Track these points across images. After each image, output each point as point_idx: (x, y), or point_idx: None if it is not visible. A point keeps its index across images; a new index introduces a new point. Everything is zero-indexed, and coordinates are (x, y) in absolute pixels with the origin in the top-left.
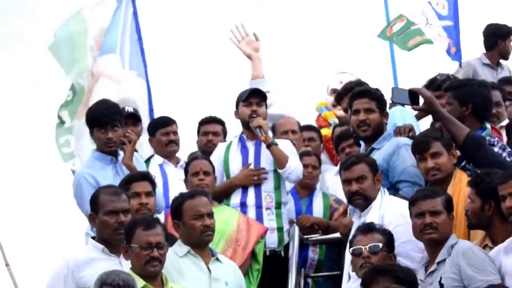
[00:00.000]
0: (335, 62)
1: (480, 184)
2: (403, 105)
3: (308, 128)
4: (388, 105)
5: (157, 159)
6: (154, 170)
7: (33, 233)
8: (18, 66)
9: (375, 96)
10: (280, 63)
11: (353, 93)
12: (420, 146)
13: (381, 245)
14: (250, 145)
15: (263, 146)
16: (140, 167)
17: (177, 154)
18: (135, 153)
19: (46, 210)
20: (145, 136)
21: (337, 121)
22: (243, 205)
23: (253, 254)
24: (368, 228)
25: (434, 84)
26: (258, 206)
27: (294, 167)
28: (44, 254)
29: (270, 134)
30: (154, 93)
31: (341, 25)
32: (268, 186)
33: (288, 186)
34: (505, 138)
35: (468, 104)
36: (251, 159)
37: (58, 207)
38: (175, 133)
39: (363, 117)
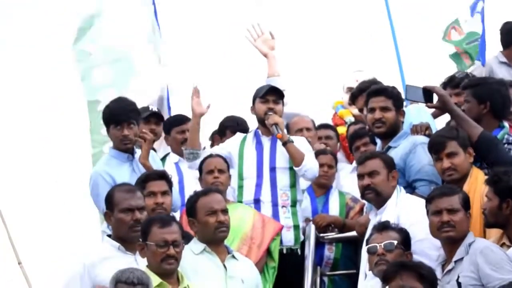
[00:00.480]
0: (351, 60)
1: (497, 182)
2: (416, 102)
3: (325, 126)
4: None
5: (173, 157)
6: (169, 168)
7: (46, 231)
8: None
9: (391, 94)
10: (296, 62)
11: (369, 91)
12: (436, 146)
13: (395, 242)
14: (266, 141)
15: (279, 142)
16: (157, 166)
17: None
18: (152, 152)
19: (59, 207)
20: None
21: (353, 119)
22: (257, 202)
23: (268, 252)
24: (383, 227)
25: (452, 82)
26: (274, 204)
27: (310, 165)
28: (57, 252)
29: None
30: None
31: (352, 23)
32: (284, 184)
33: (304, 184)
34: None
35: (486, 102)
36: (266, 155)
37: (71, 204)
38: None
39: (379, 116)
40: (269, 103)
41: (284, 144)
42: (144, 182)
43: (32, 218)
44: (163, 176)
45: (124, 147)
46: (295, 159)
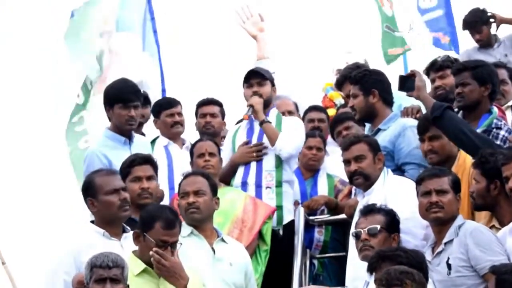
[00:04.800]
0: (342, 42)
1: (484, 164)
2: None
3: (318, 109)
4: None
5: (162, 141)
6: (159, 151)
7: (29, 231)
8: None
9: (354, 80)
10: (286, 44)
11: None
12: (419, 128)
13: (379, 226)
14: (256, 125)
15: (258, 124)
16: (147, 151)
17: (183, 136)
18: (141, 137)
19: (43, 208)
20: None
21: (343, 101)
22: (244, 185)
23: (260, 235)
24: (368, 210)
25: (435, 66)
26: (258, 185)
27: (283, 144)
28: (41, 252)
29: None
30: (166, 74)
31: (342, 4)
32: (269, 165)
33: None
34: (510, 118)
35: (487, 85)
36: (255, 138)
37: (55, 204)
38: (180, 114)
39: (351, 103)
40: (254, 87)
41: (261, 124)
42: (129, 167)
43: (16, 218)
44: (148, 160)
45: (129, 128)
46: (270, 139)
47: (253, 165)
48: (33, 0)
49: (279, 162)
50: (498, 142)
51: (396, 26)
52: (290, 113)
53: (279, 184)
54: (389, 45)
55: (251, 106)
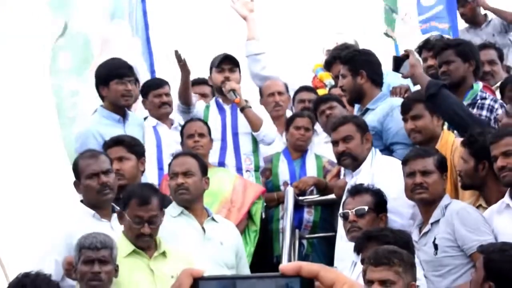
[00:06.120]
0: (332, 23)
1: (473, 143)
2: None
3: (308, 89)
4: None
5: (151, 121)
6: (148, 132)
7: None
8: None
9: (344, 60)
10: (275, 24)
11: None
12: (402, 107)
13: (367, 208)
14: (227, 109)
15: (239, 109)
16: (141, 129)
17: (171, 116)
18: (136, 116)
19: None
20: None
21: (333, 82)
22: (221, 165)
23: (250, 215)
24: (356, 191)
25: (428, 45)
26: (239, 168)
27: (268, 130)
28: (33, 233)
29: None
30: (156, 55)
31: None
32: (246, 149)
33: (280, 147)
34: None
35: (471, 61)
36: (228, 121)
37: (46, 186)
38: (168, 94)
39: (340, 83)
40: (225, 72)
41: (242, 109)
42: (105, 151)
43: (6, 201)
44: (117, 141)
45: (126, 103)
46: (254, 125)
47: (230, 147)
48: (33, 0)
49: (256, 146)
50: (484, 112)
51: (396, 8)
52: (280, 93)
53: (257, 169)
54: (389, 23)
55: (232, 90)
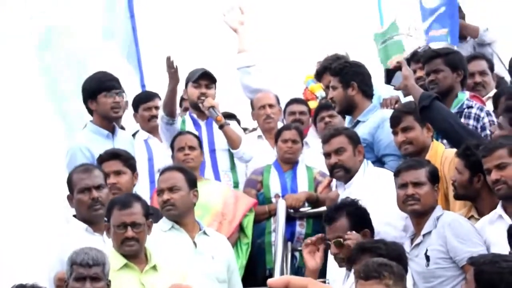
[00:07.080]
0: (323, 35)
1: (470, 156)
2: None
3: (299, 101)
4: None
5: (142, 134)
6: (139, 145)
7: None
8: None
9: (334, 72)
10: (267, 36)
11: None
12: (392, 120)
13: (342, 239)
14: (202, 125)
15: (214, 124)
16: (130, 145)
17: None
18: (125, 132)
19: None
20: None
21: (324, 94)
22: None
23: (241, 228)
24: (329, 219)
25: (416, 57)
26: None
27: (247, 148)
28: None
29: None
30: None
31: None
32: (224, 166)
33: (271, 160)
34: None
35: (459, 70)
36: (204, 137)
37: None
38: (157, 107)
39: (330, 95)
40: (202, 88)
41: (221, 127)
42: (100, 164)
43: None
44: (115, 155)
45: (115, 116)
46: (233, 142)
47: (208, 163)
48: (33, 0)
49: (233, 164)
50: (471, 121)
51: (396, 28)
52: (271, 106)
53: (236, 185)
54: (387, 58)
55: (212, 107)
